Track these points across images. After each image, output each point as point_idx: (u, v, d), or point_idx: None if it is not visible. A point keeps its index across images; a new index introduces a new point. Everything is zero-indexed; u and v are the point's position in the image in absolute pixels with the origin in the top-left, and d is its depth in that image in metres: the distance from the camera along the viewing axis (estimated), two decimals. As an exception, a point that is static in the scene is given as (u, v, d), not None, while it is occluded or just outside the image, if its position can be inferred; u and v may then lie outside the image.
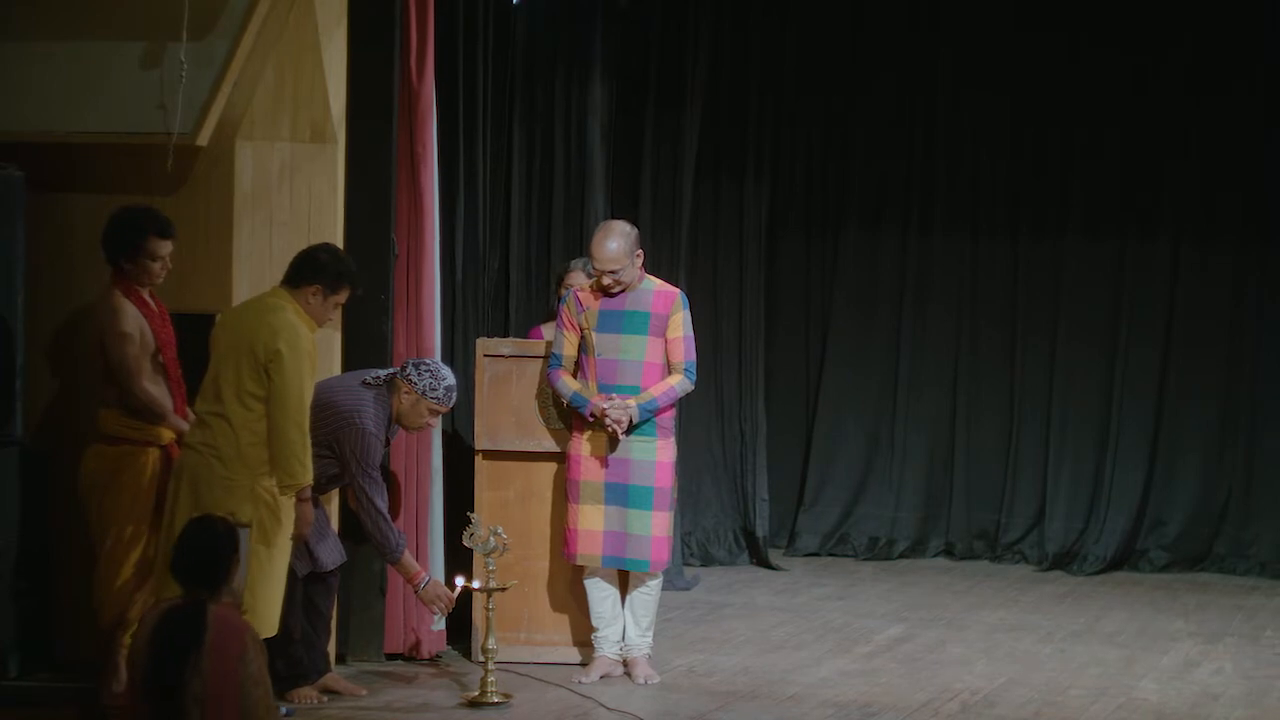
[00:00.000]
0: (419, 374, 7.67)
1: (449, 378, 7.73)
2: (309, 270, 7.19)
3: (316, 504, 7.44)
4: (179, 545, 5.72)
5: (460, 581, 7.80)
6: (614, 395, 7.97)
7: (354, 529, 7.83)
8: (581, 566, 8.17)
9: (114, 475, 7.27)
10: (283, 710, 7.04)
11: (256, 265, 7.90)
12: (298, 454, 6.94)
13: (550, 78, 10.34)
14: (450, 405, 7.81)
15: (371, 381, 7.67)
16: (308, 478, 7.01)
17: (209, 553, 5.65)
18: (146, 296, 7.34)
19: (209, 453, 6.91)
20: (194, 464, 6.93)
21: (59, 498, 7.67)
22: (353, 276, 7.27)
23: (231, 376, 6.96)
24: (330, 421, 7.47)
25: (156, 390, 7.28)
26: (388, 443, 7.84)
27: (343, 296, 7.26)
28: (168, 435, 7.27)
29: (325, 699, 7.63)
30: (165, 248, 7.32)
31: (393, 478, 8.26)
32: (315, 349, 7.13)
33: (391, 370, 7.79)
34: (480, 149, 9.40)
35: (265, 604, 6.91)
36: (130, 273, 7.30)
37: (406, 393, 7.65)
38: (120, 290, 7.29)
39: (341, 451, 7.53)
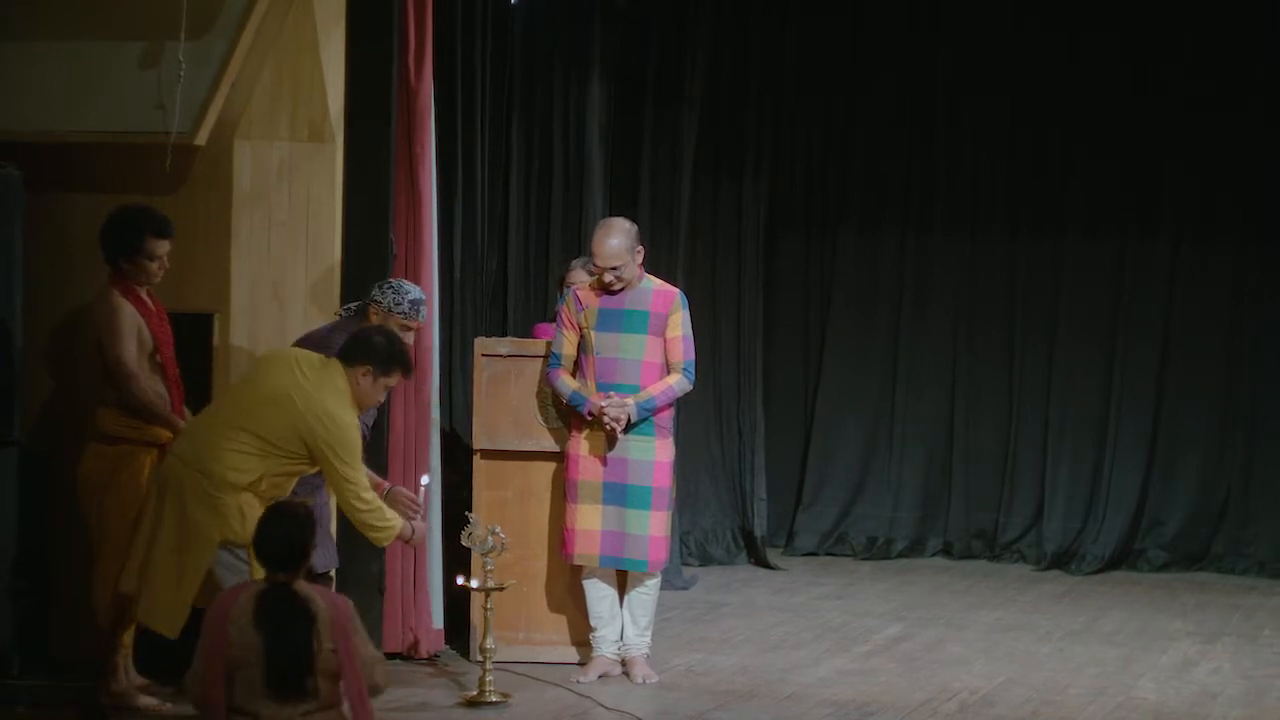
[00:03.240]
0: (382, 292, 7.68)
1: (413, 291, 7.72)
2: (363, 350, 7.06)
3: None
4: (260, 533, 5.80)
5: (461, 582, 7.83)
6: (612, 394, 7.97)
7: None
8: (580, 566, 8.17)
9: (113, 475, 7.27)
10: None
11: (255, 265, 7.91)
12: (370, 523, 7.00)
13: (548, 77, 10.35)
14: (420, 320, 7.76)
15: (341, 314, 7.75)
16: (389, 535, 7.09)
17: (291, 538, 5.74)
18: (144, 295, 7.35)
19: (196, 467, 6.83)
20: (179, 478, 6.83)
21: (58, 498, 7.68)
22: (406, 363, 7.17)
23: (258, 421, 6.84)
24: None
25: (155, 389, 7.29)
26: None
27: (393, 380, 7.16)
28: (166, 435, 7.27)
29: (323, 698, 7.63)
30: (163, 247, 7.33)
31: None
32: (357, 424, 7.04)
33: (360, 302, 7.81)
34: (479, 149, 9.42)
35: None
36: (128, 272, 7.31)
37: (374, 314, 7.65)
38: (118, 289, 7.29)
39: None
